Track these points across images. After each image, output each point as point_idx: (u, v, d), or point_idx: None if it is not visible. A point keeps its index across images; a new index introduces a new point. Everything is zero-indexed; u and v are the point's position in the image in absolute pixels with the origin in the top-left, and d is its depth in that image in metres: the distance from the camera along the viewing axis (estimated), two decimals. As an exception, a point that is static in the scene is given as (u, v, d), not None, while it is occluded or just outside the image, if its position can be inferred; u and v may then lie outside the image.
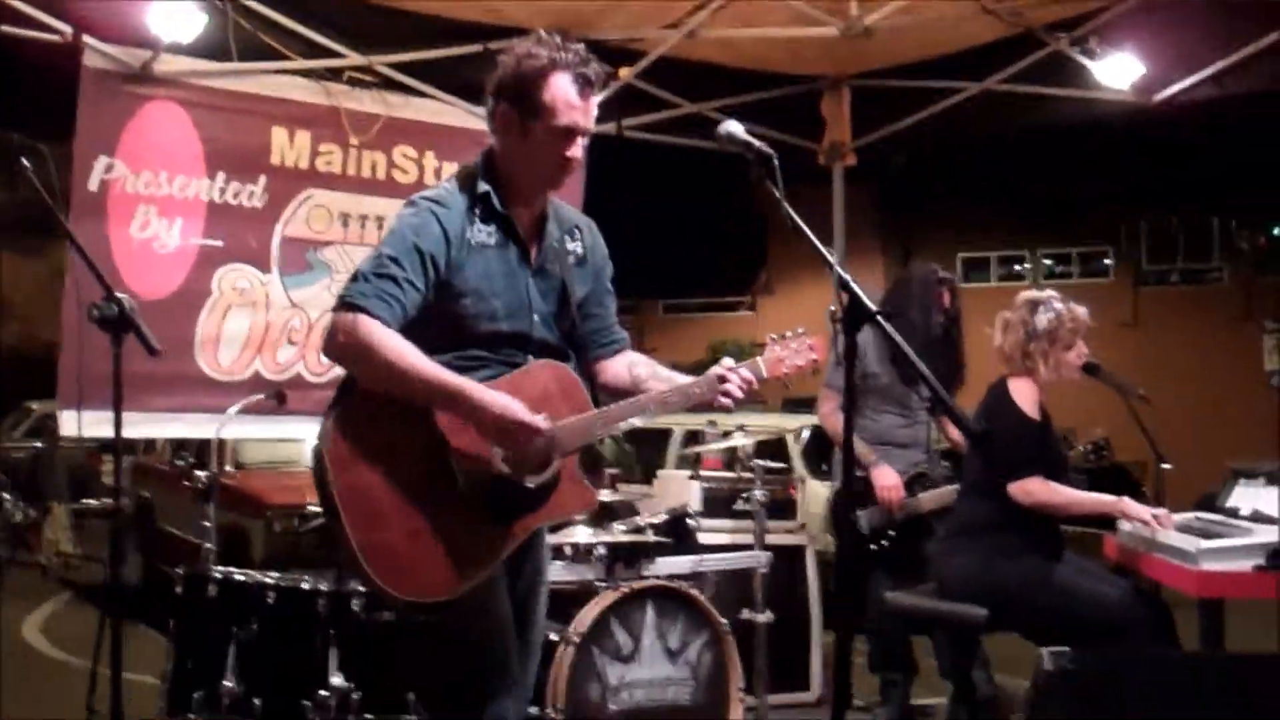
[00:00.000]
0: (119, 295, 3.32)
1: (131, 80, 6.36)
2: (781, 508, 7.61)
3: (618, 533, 5.87)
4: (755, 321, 26.38)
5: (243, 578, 5.03)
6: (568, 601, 5.38)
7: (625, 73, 7.20)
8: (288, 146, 6.81)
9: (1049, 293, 5.44)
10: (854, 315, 3.05)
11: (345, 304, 3.28)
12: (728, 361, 3.63)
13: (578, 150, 3.45)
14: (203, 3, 6.20)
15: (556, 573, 5.45)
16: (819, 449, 10.03)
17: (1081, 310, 5.34)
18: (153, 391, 6.26)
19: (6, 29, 6.04)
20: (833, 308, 3.19)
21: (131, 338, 3.75)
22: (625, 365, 3.75)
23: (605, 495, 6.57)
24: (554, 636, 5.12)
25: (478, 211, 3.46)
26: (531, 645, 3.70)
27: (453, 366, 3.34)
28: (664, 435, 13.11)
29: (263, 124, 6.77)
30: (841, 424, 6.16)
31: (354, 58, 7.01)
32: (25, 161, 3.45)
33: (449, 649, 3.51)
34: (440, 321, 3.39)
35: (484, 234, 3.46)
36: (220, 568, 5.16)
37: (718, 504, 7.34)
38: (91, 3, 6.12)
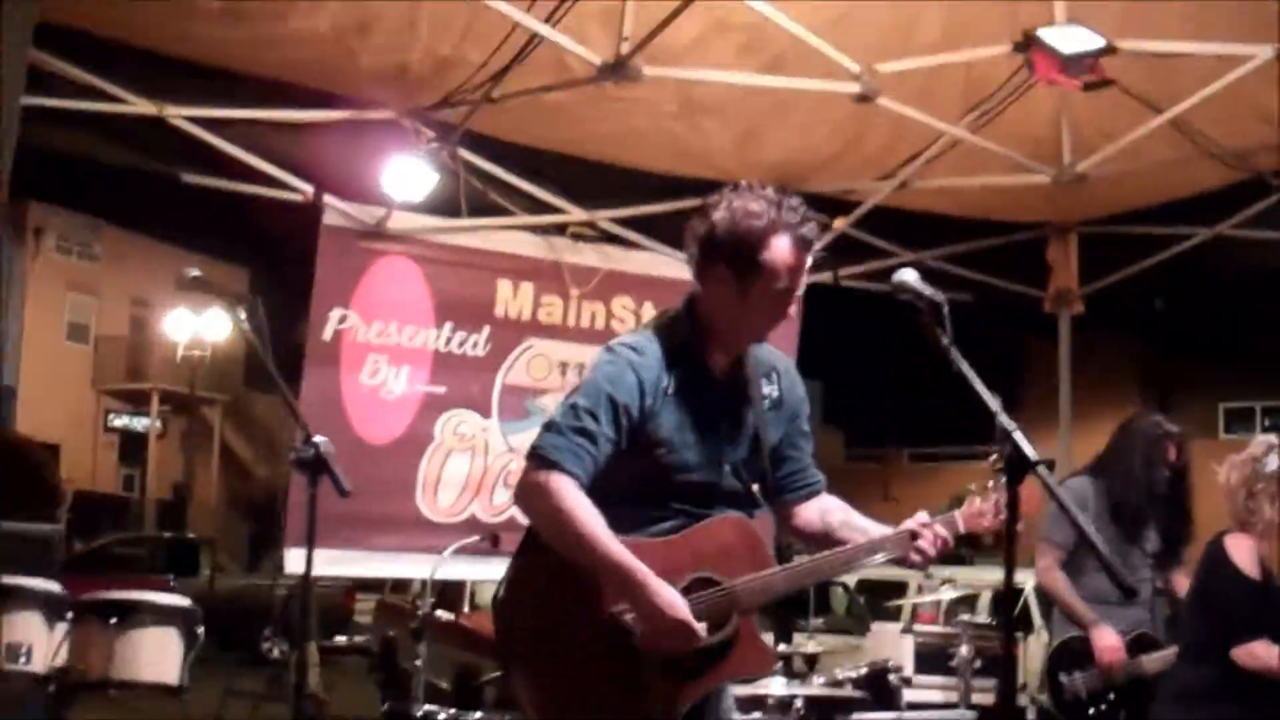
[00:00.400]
0: (316, 439, 3.47)
1: (367, 236, 6.77)
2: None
3: (815, 685, 5.78)
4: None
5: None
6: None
7: (840, 223, 7.25)
8: (511, 298, 7.09)
9: (1274, 438, 5.18)
10: (1016, 466, 2.95)
11: (539, 457, 3.25)
12: (922, 516, 3.51)
13: (793, 309, 3.40)
14: (434, 162, 6.52)
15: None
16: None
17: None
18: (375, 531, 6.51)
19: (253, 189, 6.51)
20: (994, 457, 3.08)
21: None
22: (819, 511, 3.64)
23: (811, 646, 6.49)
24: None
25: (677, 361, 3.40)
26: None
27: (636, 518, 3.33)
28: (899, 589, 12.85)
29: (489, 277, 7.08)
30: (1060, 581, 6.11)
31: (577, 213, 7.28)
32: (242, 314, 3.69)
33: None
34: (630, 469, 3.34)
35: (681, 382, 3.39)
36: (429, 706, 5.24)
37: (931, 659, 7.15)
38: (331, 163, 6.54)
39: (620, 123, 6.77)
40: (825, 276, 7.94)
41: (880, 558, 3.46)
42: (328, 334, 6.68)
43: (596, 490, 3.29)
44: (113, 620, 4.02)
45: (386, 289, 6.83)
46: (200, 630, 4.29)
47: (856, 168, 7.27)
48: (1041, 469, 2.97)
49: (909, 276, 3.18)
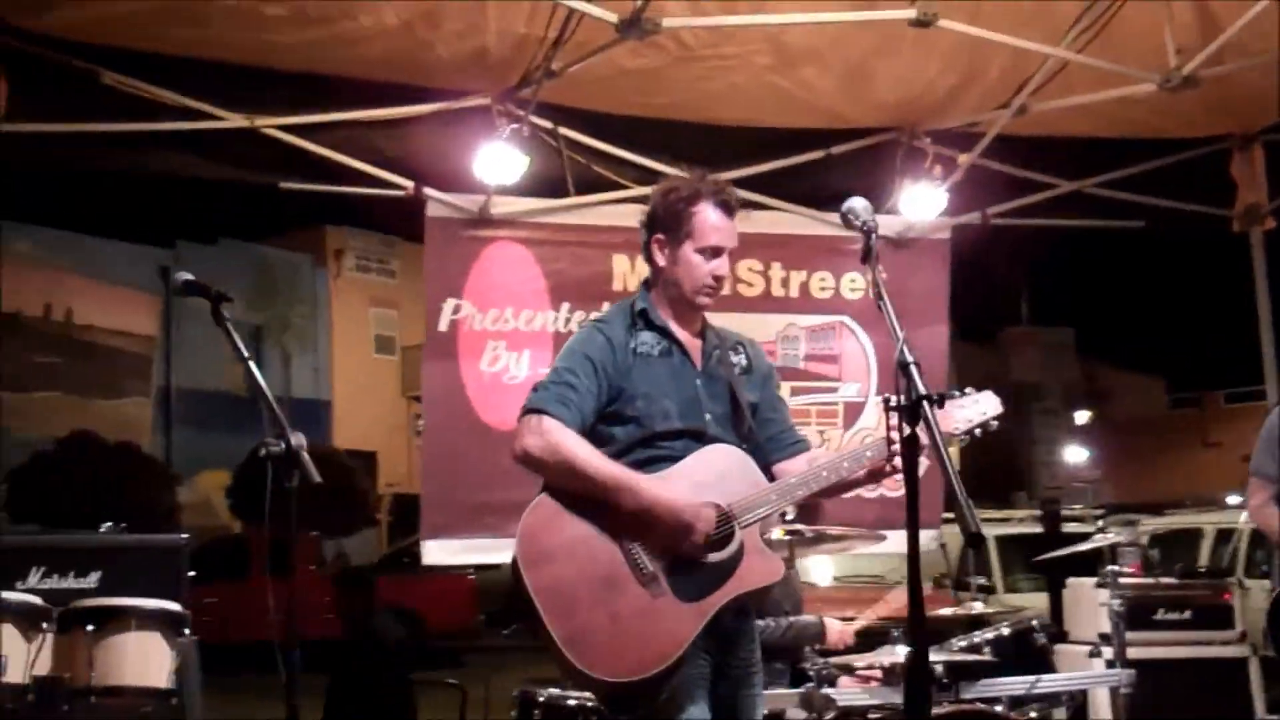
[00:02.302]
0: (290, 434, 3.46)
1: (473, 225, 6.75)
2: (1218, 616, 6.81)
3: (949, 650, 5.45)
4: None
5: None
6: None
7: (964, 159, 6.80)
8: (630, 272, 6.94)
9: None
10: (912, 404, 3.08)
11: (527, 410, 3.63)
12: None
13: (723, 268, 3.83)
14: (529, 142, 6.45)
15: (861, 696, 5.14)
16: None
17: None
18: (502, 516, 6.49)
19: (353, 189, 6.58)
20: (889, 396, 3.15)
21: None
22: (806, 461, 3.87)
23: (978, 607, 6.13)
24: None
25: (639, 325, 3.82)
26: None
27: (639, 462, 3.65)
28: (1195, 535, 12.06)
29: (603, 253, 6.96)
30: (1273, 517, 5.56)
31: (690, 179, 7.05)
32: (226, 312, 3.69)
33: None
34: (623, 425, 3.70)
35: (647, 345, 3.80)
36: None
37: (1136, 614, 6.65)
38: (428, 156, 6.54)
39: (719, 81, 6.55)
40: (974, 217, 7.52)
41: (862, 469, 3.67)
42: (444, 325, 6.69)
43: (600, 442, 3.65)
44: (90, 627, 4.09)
45: (499, 275, 6.79)
46: (187, 633, 4.32)
47: (978, 101, 6.81)
48: (929, 403, 3.03)
49: (857, 204, 3.49)
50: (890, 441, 3.50)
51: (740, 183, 7.10)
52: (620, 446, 3.68)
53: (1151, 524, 14.79)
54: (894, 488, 7.13)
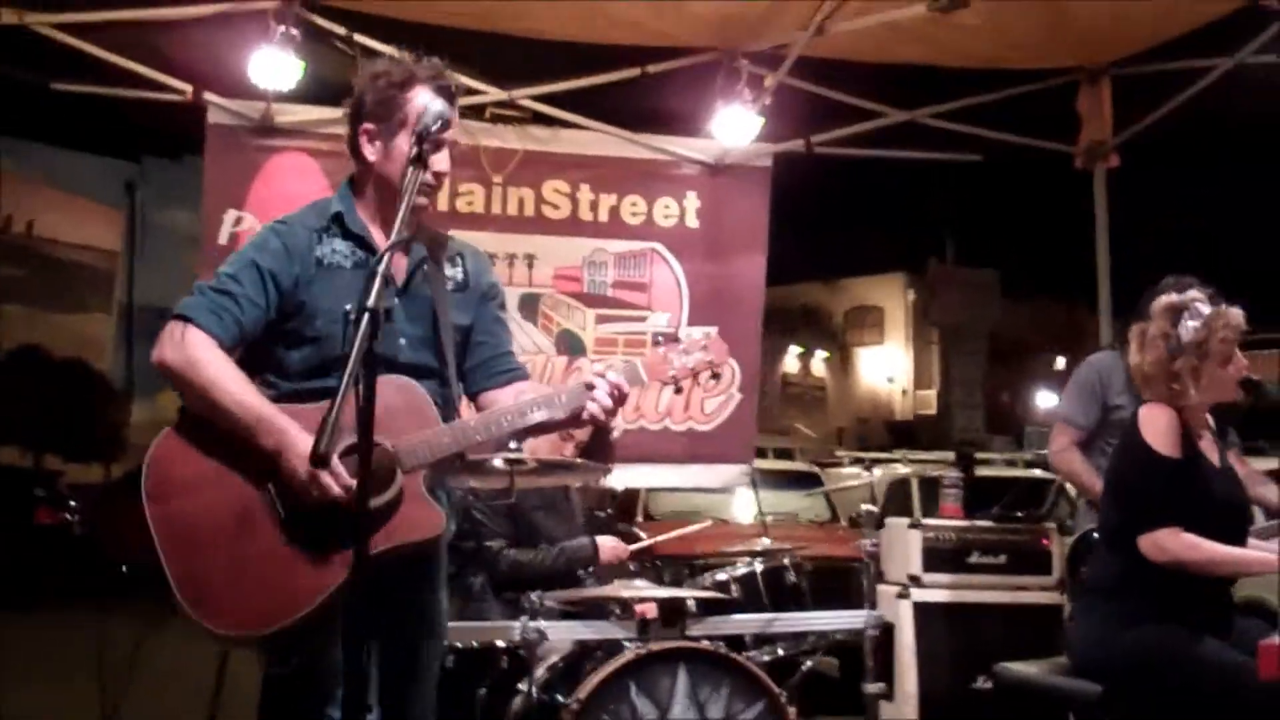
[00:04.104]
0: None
1: (256, 133, 6.49)
2: (1036, 560, 6.62)
3: (691, 588, 5.31)
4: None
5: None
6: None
7: (770, 80, 6.52)
8: (421, 185, 6.69)
9: (1192, 294, 4.33)
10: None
11: (176, 316, 3.20)
12: (599, 367, 3.45)
13: (443, 163, 3.34)
14: (318, 48, 6.20)
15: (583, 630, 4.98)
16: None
17: (1235, 312, 4.29)
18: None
19: (130, 92, 6.33)
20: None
21: None
22: (514, 394, 3.47)
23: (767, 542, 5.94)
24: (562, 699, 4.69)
25: (330, 230, 3.36)
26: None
27: (313, 392, 3.20)
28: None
29: (396, 166, 6.70)
30: (1075, 462, 5.39)
31: (494, 93, 6.80)
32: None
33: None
34: (299, 345, 3.29)
35: (338, 254, 3.34)
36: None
37: (943, 557, 6.49)
38: (209, 60, 6.30)
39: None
40: (797, 144, 7.25)
41: (557, 413, 3.31)
42: (223, 237, 6.43)
43: (272, 366, 3.29)
44: None
45: (284, 186, 6.49)
46: None
47: (794, 22, 6.51)
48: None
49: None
50: (589, 386, 3.28)
51: (550, 99, 6.93)
52: (293, 372, 3.28)
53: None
54: (703, 421, 7.07)
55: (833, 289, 47.91)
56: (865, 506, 5.97)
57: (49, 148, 27.36)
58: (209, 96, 6.39)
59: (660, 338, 3.43)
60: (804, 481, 12.18)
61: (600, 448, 5.60)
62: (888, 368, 48.13)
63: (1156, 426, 4.18)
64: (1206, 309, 4.23)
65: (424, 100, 3.28)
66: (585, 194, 6.95)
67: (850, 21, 5.95)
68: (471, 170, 6.76)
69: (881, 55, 6.87)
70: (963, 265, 43.26)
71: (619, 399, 3.32)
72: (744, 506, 10.96)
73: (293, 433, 3.08)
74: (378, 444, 3.02)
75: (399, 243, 3.01)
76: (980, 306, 42.90)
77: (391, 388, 3.19)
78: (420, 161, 3.13)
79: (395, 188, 3.26)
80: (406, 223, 3.06)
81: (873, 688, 5.45)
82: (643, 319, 7.06)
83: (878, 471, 10.69)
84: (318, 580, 3.09)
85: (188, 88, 6.37)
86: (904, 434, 37.90)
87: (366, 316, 2.70)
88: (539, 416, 3.30)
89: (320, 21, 6.28)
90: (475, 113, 6.77)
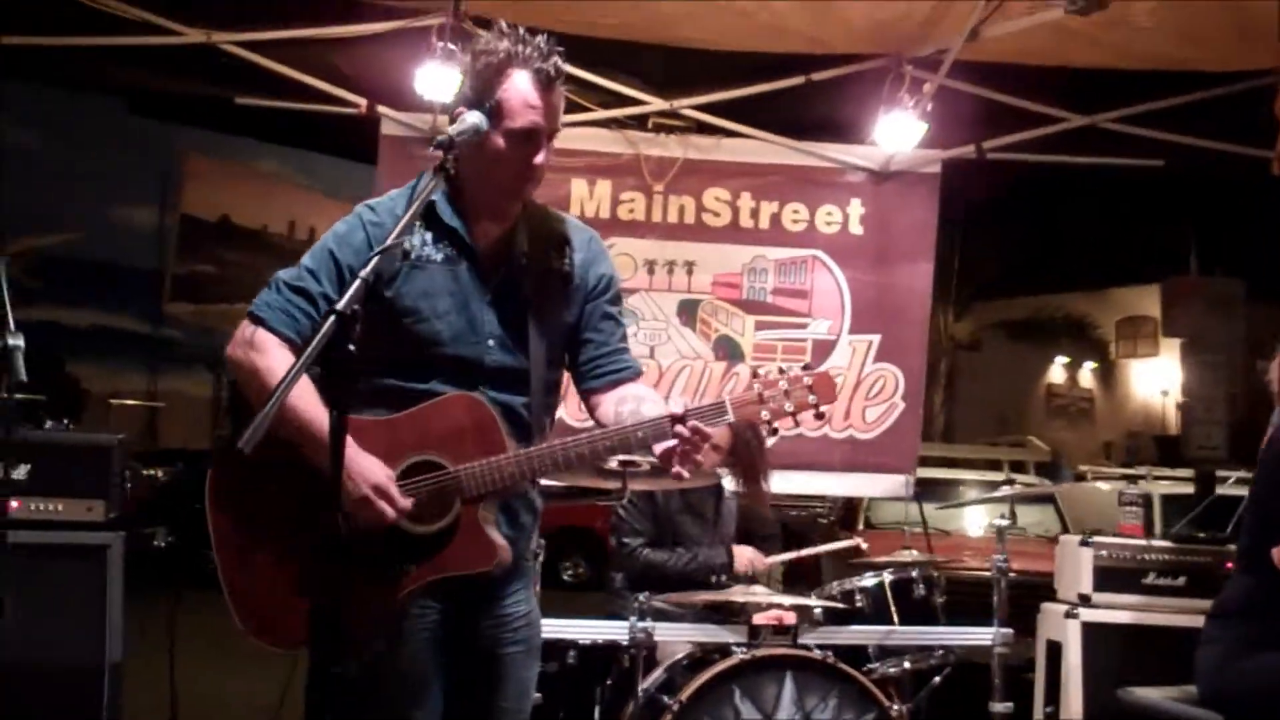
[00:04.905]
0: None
1: (426, 144, 6.74)
2: (1217, 584, 6.32)
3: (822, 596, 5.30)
4: None
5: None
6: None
7: (929, 86, 6.40)
8: (588, 197, 6.89)
9: None
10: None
11: (250, 314, 3.07)
12: (686, 400, 3.01)
13: (541, 156, 3.09)
14: (460, 63, 6.39)
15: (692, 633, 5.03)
16: None
17: None
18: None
19: (309, 106, 6.70)
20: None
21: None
22: (615, 401, 3.17)
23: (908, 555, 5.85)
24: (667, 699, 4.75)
25: (426, 225, 3.10)
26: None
27: (402, 394, 3.06)
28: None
29: (561, 176, 6.88)
30: None
31: (656, 103, 6.91)
32: None
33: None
34: (386, 341, 3.05)
35: (429, 249, 3.11)
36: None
37: (1117, 577, 6.27)
38: (381, 75, 6.60)
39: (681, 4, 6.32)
40: (968, 150, 7.12)
41: (634, 445, 2.98)
42: (397, 246, 6.72)
43: (365, 360, 2.83)
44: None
45: (454, 197, 6.76)
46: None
47: (956, 27, 6.38)
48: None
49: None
50: (675, 420, 2.91)
51: (713, 109, 6.99)
52: (388, 368, 3.08)
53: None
54: (864, 429, 7.00)
55: (1098, 299, 46.03)
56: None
57: (327, 157, 29.02)
58: (382, 109, 6.71)
59: (758, 374, 3.01)
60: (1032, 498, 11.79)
61: (744, 457, 5.62)
62: (1162, 380, 45.92)
63: None
64: None
65: (518, 86, 3.02)
66: (746, 201, 7.01)
67: (1001, 25, 5.80)
68: (633, 179, 6.91)
69: (1051, 58, 6.64)
70: (1206, 275, 40.83)
71: (696, 443, 2.95)
72: (974, 519, 10.73)
73: (349, 451, 2.83)
74: (440, 467, 2.99)
75: (392, 246, 2.82)
76: (1222, 318, 40.34)
77: (460, 406, 3.05)
78: (442, 170, 2.91)
79: (486, 176, 3.09)
80: (408, 228, 2.93)
81: (1000, 707, 5.33)
82: (803, 325, 7.07)
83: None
84: (362, 607, 2.91)
85: (362, 101, 6.69)
86: (1172, 448, 36.12)
87: (332, 318, 2.56)
88: (614, 452, 3.05)
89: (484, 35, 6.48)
90: (638, 123, 6.92)
